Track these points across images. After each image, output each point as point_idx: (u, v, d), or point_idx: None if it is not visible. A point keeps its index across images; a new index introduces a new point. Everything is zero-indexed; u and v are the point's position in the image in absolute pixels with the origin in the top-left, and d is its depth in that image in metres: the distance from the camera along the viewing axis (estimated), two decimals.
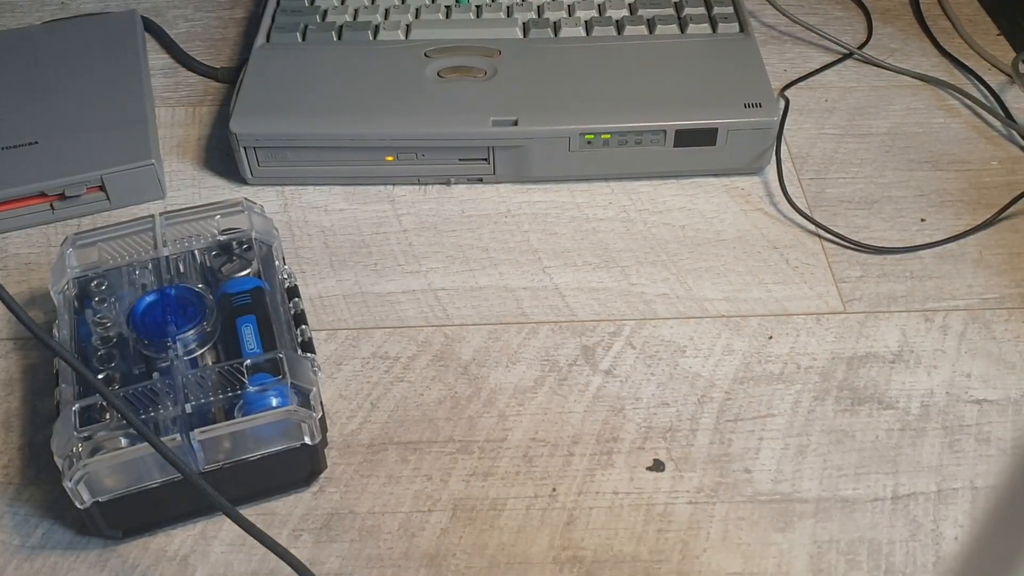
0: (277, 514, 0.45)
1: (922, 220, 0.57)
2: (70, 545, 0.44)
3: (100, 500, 0.42)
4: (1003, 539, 0.24)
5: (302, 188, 0.60)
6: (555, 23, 0.64)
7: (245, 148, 0.58)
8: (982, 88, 0.66)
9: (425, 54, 0.62)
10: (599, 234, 0.57)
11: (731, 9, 0.65)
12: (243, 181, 0.60)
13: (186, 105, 0.66)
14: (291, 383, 0.43)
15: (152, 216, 0.50)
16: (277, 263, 0.50)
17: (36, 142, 0.59)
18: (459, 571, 0.43)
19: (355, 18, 0.65)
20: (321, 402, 0.46)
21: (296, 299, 0.49)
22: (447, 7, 0.65)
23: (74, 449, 0.40)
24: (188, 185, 0.61)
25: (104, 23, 0.69)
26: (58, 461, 0.41)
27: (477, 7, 0.65)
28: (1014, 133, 0.62)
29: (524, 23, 0.64)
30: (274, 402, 0.42)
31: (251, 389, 0.42)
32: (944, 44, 0.69)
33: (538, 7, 0.65)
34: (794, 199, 0.58)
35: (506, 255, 0.56)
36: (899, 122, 0.64)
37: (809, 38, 0.71)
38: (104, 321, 0.46)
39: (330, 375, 0.50)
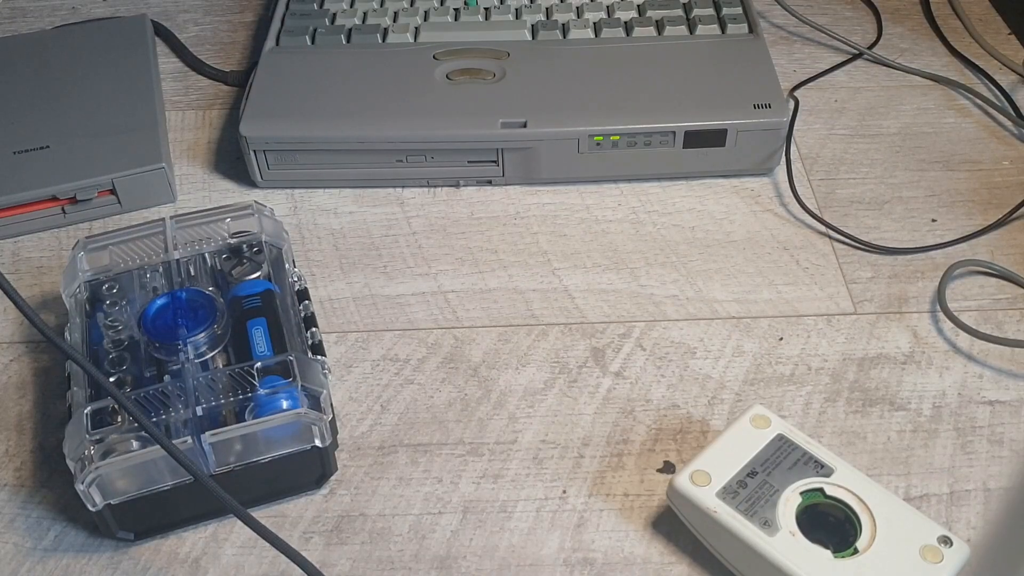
0: (288, 516, 0.45)
1: (933, 220, 0.57)
2: (82, 547, 0.44)
3: (112, 502, 0.42)
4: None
5: (312, 191, 0.60)
6: (564, 25, 0.64)
7: (255, 151, 0.58)
8: (993, 88, 0.66)
9: (434, 56, 0.62)
10: (608, 235, 0.57)
11: (740, 10, 0.65)
12: (253, 184, 0.61)
13: (196, 109, 0.67)
14: (301, 386, 0.43)
15: (163, 219, 0.50)
16: (287, 266, 0.50)
17: (47, 146, 0.59)
18: (469, 573, 0.43)
19: (364, 21, 0.65)
20: (331, 404, 0.46)
21: (306, 302, 0.49)
22: (456, 9, 0.65)
23: (86, 452, 0.41)
24: (198, 188, 0.61)
25: (115, 28, 0.69)
26: (70, 464, 0.41)
27: (486, 9, 0.65)
28: None
29: (533, 25, 0.64)
30: (284, 405, 0.42)
31: (261, 392, 0.42)
32: (954, 44, 0.69)
33: (546, 9, 0.65)
34: (804, 200, 0.58)
35: (515, 257, 0.56)
36: (909, 122, 0.64)
37: (818, 38, 0.71)
38: (115, 324, 0.46)
39: (340, 378, 0.50)
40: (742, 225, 0.57)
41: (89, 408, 0.42)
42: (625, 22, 0.64)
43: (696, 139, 0.58)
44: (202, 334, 0.45)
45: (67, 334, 0.47)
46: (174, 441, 0.40)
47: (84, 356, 0.45)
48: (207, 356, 0.45)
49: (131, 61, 0.66)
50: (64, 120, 0.61)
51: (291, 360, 0.43)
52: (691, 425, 0.47)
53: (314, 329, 0.47)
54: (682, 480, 0.41)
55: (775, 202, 0.59)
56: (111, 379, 0.44)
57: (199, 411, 0.42)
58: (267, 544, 0.42)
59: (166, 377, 0.44)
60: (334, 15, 0.66)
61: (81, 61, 0.66)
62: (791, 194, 0.59)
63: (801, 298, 0.53)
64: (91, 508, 0.42)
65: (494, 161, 0.59)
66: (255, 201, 0.51)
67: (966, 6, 0.73)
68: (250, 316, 0.46)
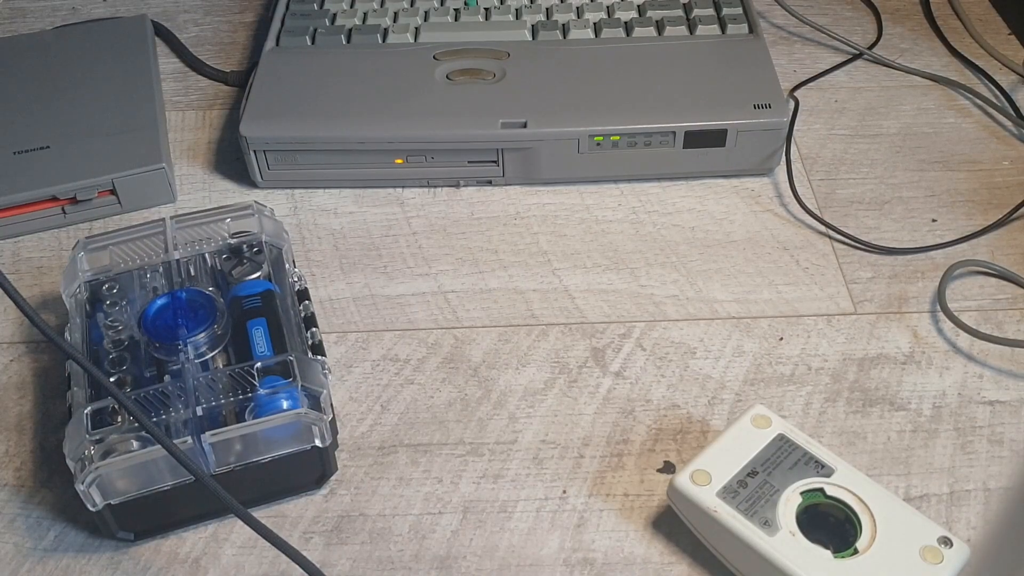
0: (288, 516, 0.45)
1: (933, 220, 0.57)
2: (82, 547, 0.44)
3: (112, 502, 0.42)
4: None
5: (312, 191, 0.60)
6: (564, 25, 0.64)
7: (255, 151, 0.58)
8: (993, 88, 0.66)
9: (434, 57, 0.62)
10: (608, 236, 0.57)
11: (740, 10, 0.65)
12: (253, 184, 0.61)
13: (196, 109, 0.67)
14: (301, 386, 0.43)
15: (163, 219, 0.50)
16: (287, 266, 0.50)
17: (48, 146, 0.59)
18: (469, 573, 0.43)
19: (364, 21, 0.65)
20: (331, 405, 0.46)
21: (306, 302, 0.49)
22: (456, 10, 0.65)
23: (86, 452, 0.41)
24: (198, 189, 0.61)
25: (115, 28, 0.69)
26: (70, 464, 0.41)
27: (486, 9, 0.65)
28: None
29: (533, 25, 0.64)
30: (284, 405, 0.42)
31: (262, 392, 0.42)
32: (954, 44, 0.69)
33: (547, 9, 0.65)
34: (804, 200, 0.58)
35: (515, 257, 0.56)
36: (909, 122, 0.64)
37: (818, 38, 0.71)
38: (115, 324, 0.46)
39: (340, 378, 0.50)
40: (742, 225, 0.57)
41: (89, 408, 0.42)
42: (625, 22, 0.64)
43: (696, 139, 0.58)
44: (202, 334, 0.45)
45: (67, 334, 0.47)
46: (174, 441, 0.40)
47: (84, 356, 0.45)
48: (207, 356, 0.45)
49: (131, 61, 0.66)
50: (64, 120, 0.61)
51: (291, 360, 0.43)
52: (691, 425, 0.47)
53: (314, 329, 0.47)
54: (682, 480, 0.41)
55: (775, 202, 0.59)
56: (111, 379, 0.44)
57: (199, 411, 0.42)
58: (267, 544, 0.42)
59: (166, 377, 0.44)
60: (334, 15, 0.66)
61: (81, 61, 0.66)
62: (791, 194, 0.59)
63: (801, 298, 0.53)
64: (91, 508, 0.42)
65: (494, 161, 0.59)
66: (255, 201, 0.51)
67: (966, 6, 0.73)
68: (250, 316, 0.46)
